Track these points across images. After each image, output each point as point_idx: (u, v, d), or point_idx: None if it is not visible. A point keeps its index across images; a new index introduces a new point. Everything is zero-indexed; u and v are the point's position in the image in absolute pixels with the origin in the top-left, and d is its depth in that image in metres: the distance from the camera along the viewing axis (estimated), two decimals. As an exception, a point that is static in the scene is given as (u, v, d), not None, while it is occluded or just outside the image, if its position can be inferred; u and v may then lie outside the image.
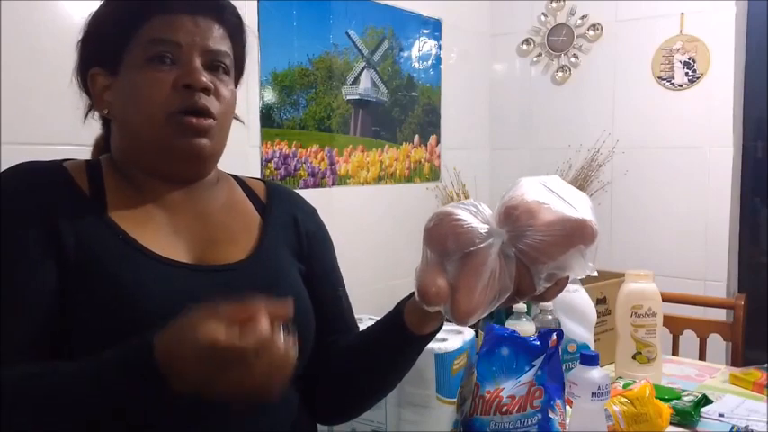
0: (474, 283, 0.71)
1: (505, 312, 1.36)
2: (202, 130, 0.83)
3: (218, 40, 0.85)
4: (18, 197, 0.79)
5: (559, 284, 0.74)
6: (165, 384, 0.65)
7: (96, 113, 0.91)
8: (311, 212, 1.02)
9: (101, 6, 0.87)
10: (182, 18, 0.82)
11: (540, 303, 1.33)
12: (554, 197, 0.72)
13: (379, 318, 0.93)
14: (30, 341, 0.74)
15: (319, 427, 1.00)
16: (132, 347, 0.67)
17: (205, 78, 0.82)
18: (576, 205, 0.72)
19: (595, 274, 0.74)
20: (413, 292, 0.83)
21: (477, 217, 0.73)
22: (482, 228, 0.72)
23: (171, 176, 0.86)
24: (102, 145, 0.94)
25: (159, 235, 0.83)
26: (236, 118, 0.92)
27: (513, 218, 0.71)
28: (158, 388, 0.65)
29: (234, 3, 0.90)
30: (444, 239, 0.72)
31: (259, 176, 1.96)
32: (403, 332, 0.85)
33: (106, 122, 0.91)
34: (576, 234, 0.70)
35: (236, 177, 0.99)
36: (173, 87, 0.81)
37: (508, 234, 0.71)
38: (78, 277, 0.76)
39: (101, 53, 0.85)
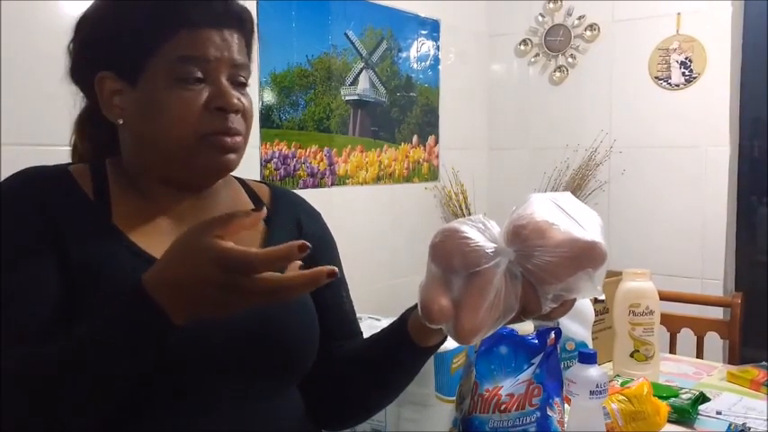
0: (479, 303, 0.69)
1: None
2: (234, 149, 0.83)
3: (241, 52, 0.85)
4: (23, 202, 0.79)
5: (566, 305, 0.73)
6: (163, 319, 0.63)
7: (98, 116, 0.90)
8: (315, 216, 1.02)
9: (112, 9, 0.84)
10: (209, 33, 0.81)
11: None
12: (564, 216, 0.71)
13: (377, 317, 0.93)
14: (39, 337, 0.73)
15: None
16: (121, 299, 0.65)
17: (236, 100, 0.82)
18: (586, 225, 0.71)
19: (602, 297, 0.72)
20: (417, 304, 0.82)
21: (484, 234, 0.71)
22: (489, 247, 0.70)
23: (188, 186, 0.86)
24: (88, 131, 0.92)
25: (163, 242, 0.82)
26: None
27: (522, 237, 0.70)
28: (158, 325, 0.63)
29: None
30: (450, 257, 0.71)
31: (258, 177, 1.99)
32: (406, 343, 0.84)
33: (106, 125, 0.88)
34: (584, 256, 0.69)
35: (240, 180, 0.98)
36: (204, 108, 0.80)
37: (516, 253, 0.70)
38: (80, 282, 0.76)
39: (116, 59, 0.83)
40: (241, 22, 0.85)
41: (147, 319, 0.64)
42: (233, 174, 0.98)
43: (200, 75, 0.80)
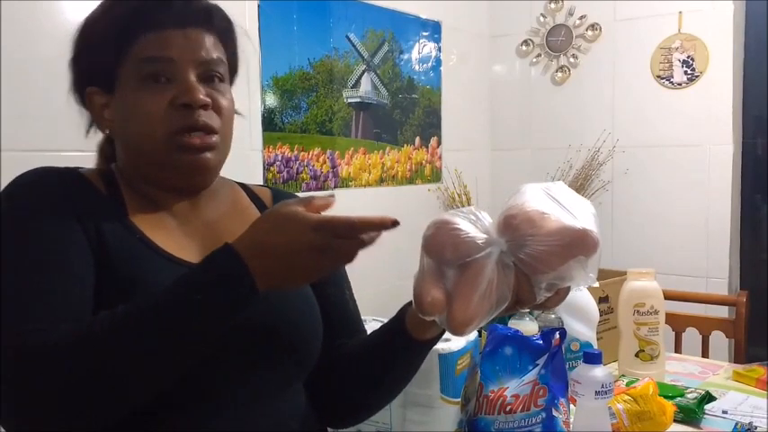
0: (470, 294, 0.70)
1: (508, 312, 1.36)
2: (206, 148, 0.83)
3: (211, 49, 0.84)
4: (45, 191, 0.79)
5: (560, 294, 0.74)
6: (250, 282, 0.67)
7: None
8: None
9: (87, 24, 0.86)
10: (172, 33, 0.82)
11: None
12: (555, 205, 0.72)
13: (381, 319, 0.93)
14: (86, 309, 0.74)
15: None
16: (212, 256, 0.69)
17: (202, 95, 0.82)
18: (578, 214, 0.71)
19: (596, 284, 0.73)
20: None
21: (476, 225, 0.72)
22: (480, 237, 0.71)
23: (175, 188, 0.87)
24: (106, 150, 0.94)
25: (172, 238, 0.84)
26: (236, 112, 0.91)
27: (513, 227, 0.71)
28: (245, 288, 0.68)
29: (234, 7, 0.90)
30: (442, 248, 0.72)
31: (261, 180, 1.99)
32: (404, 337, 0.85)
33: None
34: (576, 244, 0.70)
35: (242, 185, 0.99)
36: (170, 106, 0.81)
37: (508, 243, 0.71)
38: (98, 273, 0.77)
39: (94, 72, 0.85)
40: (209, 19, 0.86)
41: (236, 281, 0.67)
42: (233, 176, 0.99)
43: (166, 75, 0.81)
